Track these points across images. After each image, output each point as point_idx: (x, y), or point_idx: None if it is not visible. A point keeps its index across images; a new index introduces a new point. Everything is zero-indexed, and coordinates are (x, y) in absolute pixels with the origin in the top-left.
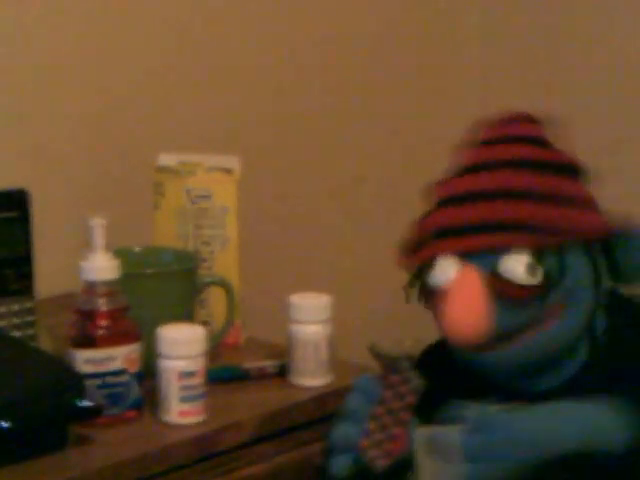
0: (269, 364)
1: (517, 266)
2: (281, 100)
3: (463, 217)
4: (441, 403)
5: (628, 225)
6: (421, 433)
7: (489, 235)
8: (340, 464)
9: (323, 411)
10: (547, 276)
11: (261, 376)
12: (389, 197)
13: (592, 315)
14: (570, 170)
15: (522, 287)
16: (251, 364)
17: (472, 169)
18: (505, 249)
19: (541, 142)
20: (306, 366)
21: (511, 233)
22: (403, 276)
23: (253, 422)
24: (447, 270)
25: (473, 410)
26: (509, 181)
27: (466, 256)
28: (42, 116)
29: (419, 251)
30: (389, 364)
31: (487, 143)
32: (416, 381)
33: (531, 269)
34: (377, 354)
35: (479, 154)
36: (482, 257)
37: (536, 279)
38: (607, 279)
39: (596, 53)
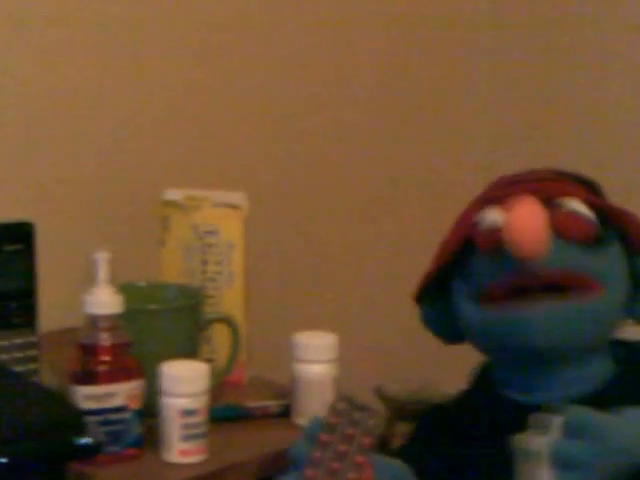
0: (272, 404)
1: (575, 202)
2: (288, 137)
3: (514, 189)
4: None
5: None
6: (517, 439)
7: (543, 183)
8: None
9: None
10: (597, 228)
11: (264, 416)
12: (397, 235)
13: (624, 311)
14: (595, 188)
15: (580, 220)
16: (254, 403)
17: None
18: (556, 201)
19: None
20: (310, 406)
21: (565, 184)
22: (410, 316)
23: (255, 462)
24: (500, 213)
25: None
26: (551, 176)
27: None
28: (48, 149)
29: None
30: (332, 407)
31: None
32: (370, 422)
33: (587, 210)
34: (383, 397)
35: (507, 189)
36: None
37: (593, 218)
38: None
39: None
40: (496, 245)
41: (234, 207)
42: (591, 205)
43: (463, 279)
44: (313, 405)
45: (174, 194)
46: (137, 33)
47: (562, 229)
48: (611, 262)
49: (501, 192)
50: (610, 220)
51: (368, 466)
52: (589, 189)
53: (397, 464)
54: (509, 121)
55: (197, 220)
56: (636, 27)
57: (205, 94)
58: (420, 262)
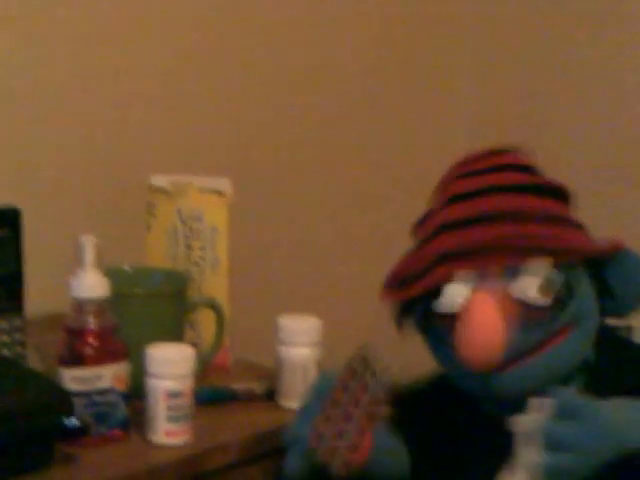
0: (257, 386)
1: (529, 288)
2: (273, 123)
3: (471, 239)
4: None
5: (618, 247)
6: (513, 421)
7: (501, 255)
8: (291, 463)
9: None
10: (557, 297)
11: (249, 398)
12: (382, 220)
13: (592, 341)
14: (562, 195)
15: (535, 309)
16: (239, 386)
17: (464, 197)
18: (517, 269)
19: (530, 169)
20: (294, 388)
21: (522, 252)
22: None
23: (240, 444)
24: (457, 295)
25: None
26: (511, 203)
27: (477, 279)
28: (35, 135)
29: (421, 279)
30: (349, 364)
31: (475, 173)
32: (377, 391)
33: (543, 291)
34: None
35: (469, 183)
36: (493, 280)
37: (547, 300)
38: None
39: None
40: (454, 326)
41: (219, 193)
42: (551, 266)
43: (426, 319)
44: (297, 387)
45: (160, 180)
46: (124, 19)
47: (518, 318)
48: (579, 304)
49: (460, 239)
50: (576, 257)
51: (370, 432)
52: (555, 199)
53: (394, 438)
54: (493, 110)
55: (182, 205)
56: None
57: (191, 80)
58: (404, 248)
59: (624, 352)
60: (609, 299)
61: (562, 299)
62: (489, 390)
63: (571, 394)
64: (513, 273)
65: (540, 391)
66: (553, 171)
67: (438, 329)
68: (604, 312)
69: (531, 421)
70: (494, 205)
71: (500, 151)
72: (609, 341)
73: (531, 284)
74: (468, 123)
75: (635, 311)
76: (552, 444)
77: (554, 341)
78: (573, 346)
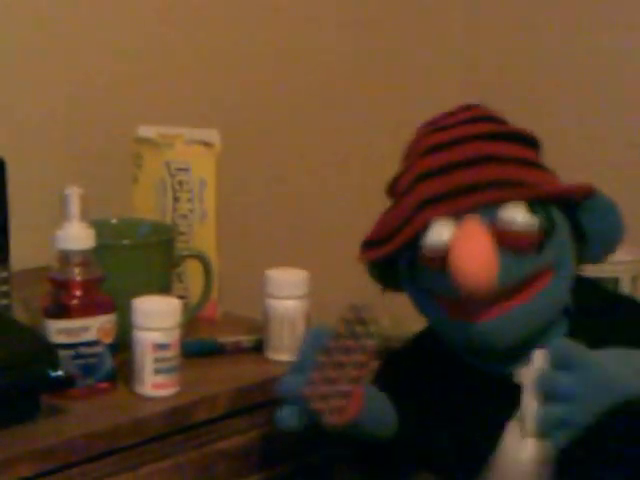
0: (245, 339)
1: (516, 212)
2: (263, 73)
3: (453, 182)
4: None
5: (589, 189)
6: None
7: (483, 193)
8: (285, 414)
9: None
10: (541, 227)
11: (237, 351)
12: (371, 172)
13: (570, 287)
14: (532, 142)
15: (523, 233)
16: (227, 338)
17: (439, 147)
18: (500, 203)
19: (499, 120)
20: (282, 341)
21: (499, 193)
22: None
23: (227, 396)
24: (445, 229)
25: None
26: (486, 149)
27: (457, 223)
28: (20, 86)
29: (401, 231)
30: (342, 316)
31: (447, 127)
32: (369, 340)
33: (529, 216)
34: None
35: (443, 135)
36: (480, 211)
37: (534, 225)
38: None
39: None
40: (443, 267)
41: (207, 144)
42: (530, 199)
43: (409, 268)
44: (285, 340)
45: (147, 131)
46: None
47: (507, 246)
48: (559, 245)
49: (441, 185)
50: (551, 200)
51: (361, 382)
52: (526, 146)
53: (382, 395)
54: (485, 62)
55: (170, 157)
56: None
57: (179, 30)
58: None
59: (605, 300)
60: (584, 244)
61: (547, 229)
62: (475, 339)
63: (567, 345)
64: (492, 214)
65: (523, 340)
66: (545, 120)
67: (425, 278)
68: (581, 259)
69: (533, 372)
70: (469, 151)
71: (469, 106)
72: (590, 290)
73: (517, 210)
74: (460, 74)
75: (609, 256)
76: (548, 395)
77: (536, 285)
78: (554, 292)
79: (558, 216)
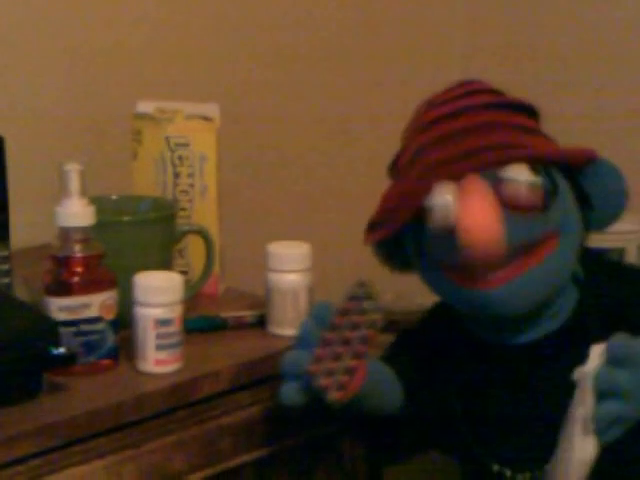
0: (247, 314)
1: (519, 172)
2: (262, 47)
3: (454, 149)
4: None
5: (590, 154)
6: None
7: (484, 155)
8: (288, 390)
9: None
10: (544, 187)
11: (239, 326)
12: (372, 148)
13: (577, 253)
14: (532, 111)
15: (526, 192)
16: (229, 314)
17: (440, 119)
18: (502, 164)
19: (498, 92)
20: (284, 316)
21: (501, 158)
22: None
23: (230, 371)
24: (448, 191)
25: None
26: (486, 117)
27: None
28: (18, 62)
29: (409, 199)
30: (348, 291)
31: (447, 101)
32: (374, 315)
33: (532, 175)
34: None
35: (443, 108)
36: (482, 174)
37: (537, 183)
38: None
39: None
40: (450, 232)
41: (207, 119)
42: (533, 162)
43: (417, 242)
44: (288, 314)
45: (146, 106)
46: None
47: (512, 206)
48: (563, 207)
49: (441, 152)
50: (554, 163)
51: (364, 357)
52: (525, 115)
53: (388, 370)
54: (486, 39)
55: (169, 132)
56: None
57: (177, 4)
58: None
59: (613, 270)
60: (588, 211)
61: (550, 191)
62: (487, 306)
63: (625, 341)
64: (494, 177)
65: (536, 306)
66: (549, 96)
67: (433, 248)
68: (586, 226)
69: (590, 369)
70: (469, 120)
71: (467, 81)
72: (597, 260)
73: (519, 170)
74: (462, 50)
75: (614, 223)
76: (603, 391)
77: (544, 248)
78: (562, 255)
79: (561, 180)
